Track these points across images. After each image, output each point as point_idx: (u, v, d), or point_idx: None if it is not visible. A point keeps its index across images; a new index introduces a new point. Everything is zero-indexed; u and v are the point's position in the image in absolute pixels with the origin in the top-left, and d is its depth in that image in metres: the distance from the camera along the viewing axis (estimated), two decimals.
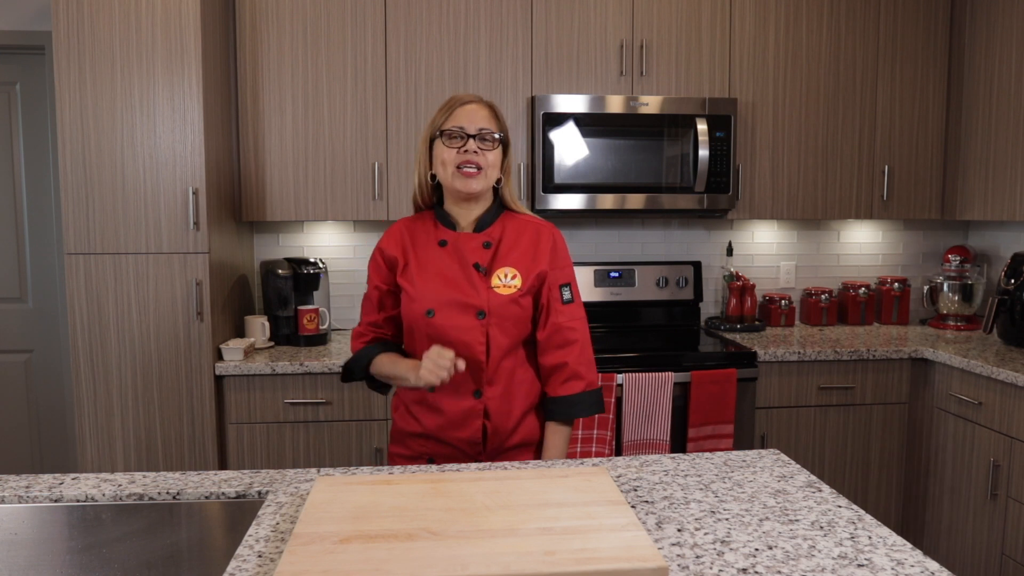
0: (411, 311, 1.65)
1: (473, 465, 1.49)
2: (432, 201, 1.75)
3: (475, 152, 1.63)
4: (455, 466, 1.48)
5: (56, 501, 1.34)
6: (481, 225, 1.70)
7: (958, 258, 3.23)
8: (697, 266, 3.26)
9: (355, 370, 1.75)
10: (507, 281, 1.67)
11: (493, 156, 1.66)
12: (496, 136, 1.66)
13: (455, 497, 1.21)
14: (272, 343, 2.87)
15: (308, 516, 1.14)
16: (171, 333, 2.54)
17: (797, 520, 1.24)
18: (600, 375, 2.54)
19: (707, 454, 1.55)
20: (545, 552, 1.02)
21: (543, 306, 1.69)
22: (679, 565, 1.08)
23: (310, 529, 1.09)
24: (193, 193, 2.51)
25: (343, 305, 3.23)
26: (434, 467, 1.48)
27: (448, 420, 1.65)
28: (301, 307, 2.85)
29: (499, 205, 1.73)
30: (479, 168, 1.63)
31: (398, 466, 1.52)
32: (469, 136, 1.63)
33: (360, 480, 1.28)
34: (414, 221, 1.75)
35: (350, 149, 2.86)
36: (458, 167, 1.63)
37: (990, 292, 3.31)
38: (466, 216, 1.71)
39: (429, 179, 1.70)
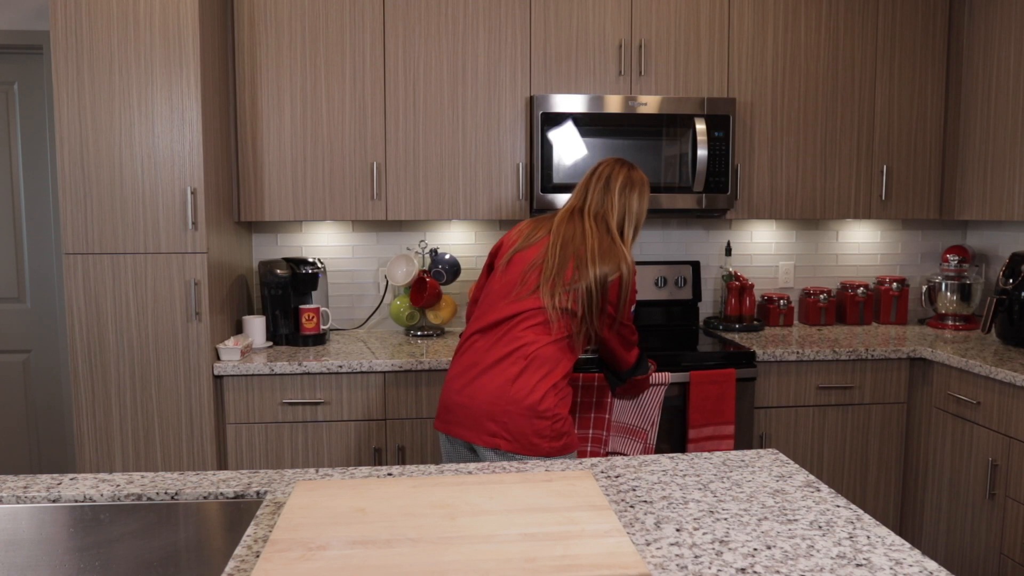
0: None
1: (459, 467, 1.49)
2: None
3: None
4: (451, 467, 1.48)
5: (54, 501, 1.33)
6: None
7: (956, 258, 3.23)
8: (696, 266, 3.26)
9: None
10: None
11: None
12: None
13: (437, 502, 1.20)
14: (271, 343, 2.87)
15: (285, 521, 1.12)
16: (169, 333, 2.54)
17: (796, 520, 1.24)
18: (596, 375, 2.53)
19: (706, 454, 1.55)
20: (526, 559, 1.01)
21: None
22: (678, 565, 1.08)
23: (287, 535, 1.08)
24: (191, 193, 2.51)
25: (342, 305, 3.23)
26: (432, 468, 1.48)
27: None
28: (301, 306, 2.85)
29: None
30: None
31: (397, 467, 1.51)
32: None
33: (340, 484, 1.27)
34: None
35: (348, 149, 2.86)
36: None
37: (988, 292, 3.31)
38: None
39: None
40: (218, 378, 2.60)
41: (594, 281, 1.95)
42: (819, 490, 1.36)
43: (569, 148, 2.85)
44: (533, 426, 1.83)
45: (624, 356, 2.19)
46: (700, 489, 1.36)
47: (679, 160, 2.90)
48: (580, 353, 2.03)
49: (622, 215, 2.08)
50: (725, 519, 1.24)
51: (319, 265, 2.93)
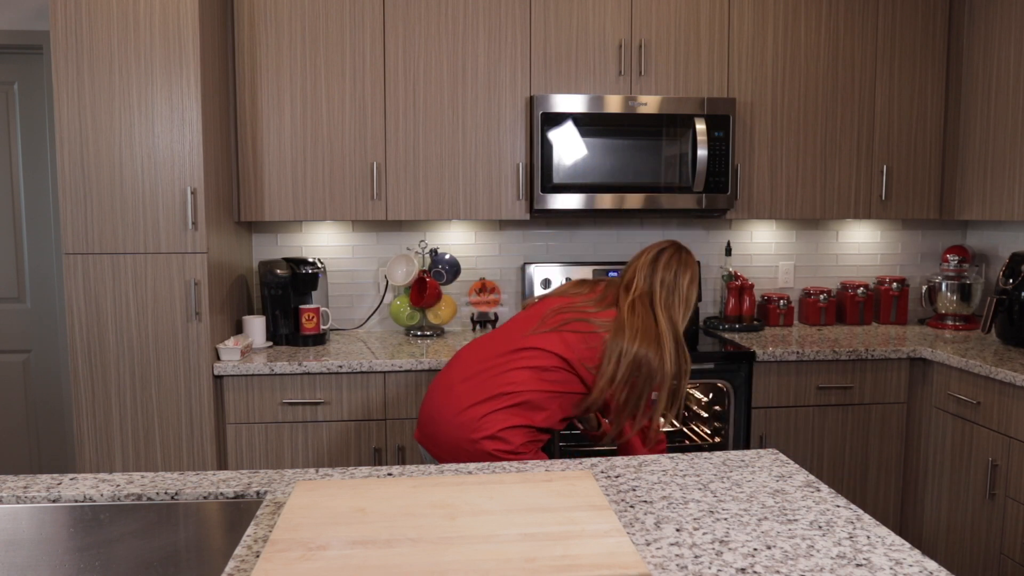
0: None
1: (459, 467, 1.49)
2: None
3: None
4: (451, 467, 1.48)
5: (54, 501, 1.33)
6: None
7: (956, 258, 3.23)
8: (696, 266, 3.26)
9: None
10: None
11: None
12: None
13: (437, 502, 1.19)
14: (271, 343, 2.87)
15: (285, 522, 1.12)
16: (169, 333, 2.54)
17: (796, 520, 1.24)
18: None
19: (705, 454, 1.55)
20: (526, 559, 1.01)
21: None
22: (678, 565, 1.08)
23: (287, 535, 1.08)
24: (191, 193, 2.51)
25: (342, 305, 3.23)
26: (431, 468, 1.48)
27: None
28: (301, 306, 2.85)
29: None
30: None
31: (397, 467, 1.51)
32: None
33: (340, 484, 1.27)
34: None
35: (348, 149, 2.86)
36: None
37: (988, 292, 3.31)
38: None
39: None
40: (218, 378, 2.60)
41: (619, 351, 1.86)
42: (819, 490, 1.36)
43: (569, 148, 2.85)
44: (484, 448, 1.80)
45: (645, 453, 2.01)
46: (700, 489, 1.36)
47: (679, 160, 2.90)
48: (569, 414, 1.91)
49: (676, 306, 2.05)
50: (725, 519, 1.24)
51: (319, 265, 2.93)
